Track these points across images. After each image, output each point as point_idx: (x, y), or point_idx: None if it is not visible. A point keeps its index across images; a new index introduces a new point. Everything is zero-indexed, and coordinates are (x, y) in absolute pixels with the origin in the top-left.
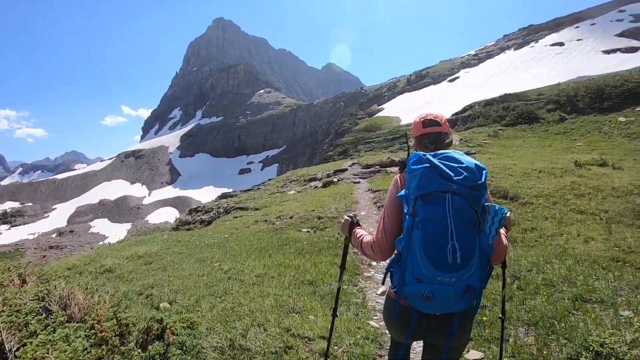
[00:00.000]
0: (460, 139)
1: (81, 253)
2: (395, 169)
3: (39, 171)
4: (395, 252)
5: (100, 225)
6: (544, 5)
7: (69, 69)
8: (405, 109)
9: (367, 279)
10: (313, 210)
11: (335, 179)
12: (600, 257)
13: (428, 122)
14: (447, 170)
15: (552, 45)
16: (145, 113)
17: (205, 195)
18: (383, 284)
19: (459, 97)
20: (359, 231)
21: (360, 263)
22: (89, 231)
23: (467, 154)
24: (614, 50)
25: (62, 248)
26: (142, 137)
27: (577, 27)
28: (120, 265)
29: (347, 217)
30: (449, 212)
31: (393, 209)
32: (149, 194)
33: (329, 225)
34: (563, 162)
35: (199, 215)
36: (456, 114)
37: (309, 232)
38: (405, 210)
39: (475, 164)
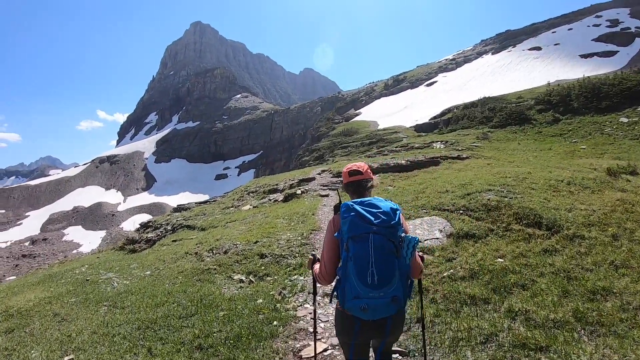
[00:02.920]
0: (446, 141)
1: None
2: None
3: (13, 177)
4: (337, 277)
5: (74, 233)
6: (520, 12)
7: (45, 73)
8: (383, 113)
9: None
10: (256, 242)
11: (299, 191)
12: None
13: (352, 172)
14: (369, 216)
15: (530, 49)
16: (121, 118)
17: (181, 201)
18: (330, 301)
19: (438, 100)
20: (316, 266)
21: None
22: (63, 239)
23: (458, 158)
24: (591, 55)
25: (35, 257)
26: (118, 142)
27: (554, 31)
28: None
29: (311, 256)
30: (370, 248)
31: (331, 245)
32: (124, 201)
33: (272, 271)
34: (588, 170)
35: (147, 233)
36: (435, 117)
37: (242, 282)
38: (341, 247)
39: (391, 207)
